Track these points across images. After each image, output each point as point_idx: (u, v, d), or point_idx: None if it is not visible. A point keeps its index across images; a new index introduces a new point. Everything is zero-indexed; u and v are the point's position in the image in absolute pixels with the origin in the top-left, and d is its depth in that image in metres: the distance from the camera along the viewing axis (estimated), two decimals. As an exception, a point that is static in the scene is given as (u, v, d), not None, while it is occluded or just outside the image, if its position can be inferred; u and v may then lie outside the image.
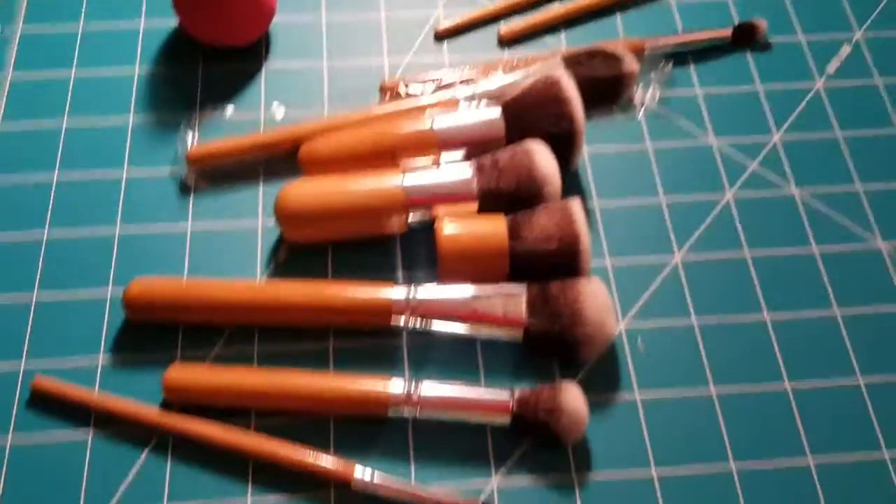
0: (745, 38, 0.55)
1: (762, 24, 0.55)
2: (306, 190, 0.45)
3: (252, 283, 0.45)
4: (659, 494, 0.41)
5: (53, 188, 0.48)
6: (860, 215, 0.49)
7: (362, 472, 0.40)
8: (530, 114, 0.47)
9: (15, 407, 0.42)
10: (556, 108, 0.47)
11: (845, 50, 0.55)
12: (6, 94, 0.51)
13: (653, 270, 0.47)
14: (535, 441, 0.42)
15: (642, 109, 0.52)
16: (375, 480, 0.40)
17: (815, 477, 0.41)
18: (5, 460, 0.40)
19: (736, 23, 0.55)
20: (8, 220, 0.47)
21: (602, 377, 0.44)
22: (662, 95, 0.52)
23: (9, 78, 0.51)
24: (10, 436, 0.41)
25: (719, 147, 0.51)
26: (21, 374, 0.42)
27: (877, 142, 0.52)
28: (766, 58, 0.55)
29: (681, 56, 0.54)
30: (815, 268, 0.47)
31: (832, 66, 0.55)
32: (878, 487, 0.41)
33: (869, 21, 0.57)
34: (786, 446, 0.42)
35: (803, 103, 0.53)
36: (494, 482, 0.41)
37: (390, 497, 0.40)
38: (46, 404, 0.42)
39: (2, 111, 0.50)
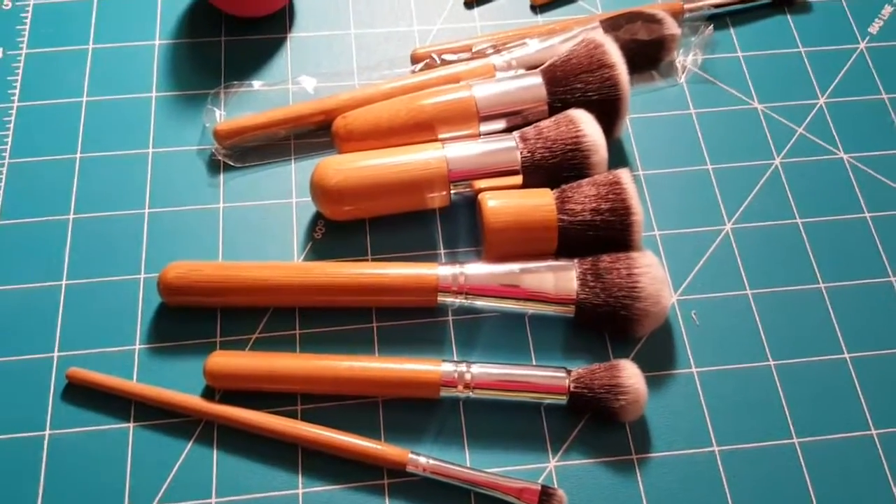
0: (786, -2, 0.53)
1: (802, -17, 0.53)
2: (344, 165, 0.43)
3: (293, 264, 0.43)
4: (721, 471, 0.39)
5: (77, 168, 0.46)
6: (911, 179, 0.48)
7: (416, 457, 0.38)
8: (573, 79, 0.45)
9: (51, 399, 0.40)
10: (601, 72, 0.45)
11: (887, 10, 0.54)
12: (21, 71, 0.48)
13: (703, 240, 0.45)
14: (591, 420, 0.40)
15: (684, 74, 0.50)
16: (430, 465, 0.38)
17: (880, 448, 0.40)
18: (44, 454, 0.39)
19: (775, -17, 0.54)
20: (30, 203, 0.45)
21: (657, 352, 0.42)
22: (704, 59, 0.51)
23: (23, 54, 0.49)
24: (47, 430, 0.39)
25: (764, 111, 0.49)
26: (55, 365, 0.41)
27: (924, 103, 0.50)
28: (807, 19, 0.53)
29: (720, 18, 0.52)
30: (868, 234, 0.46)
31: (875, 27, 0.53)
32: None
33: (909, -21, 0.55)
34: (848, 418, 0.41)
35: (847, 65, 0.51)
36: (552, 463, 0.40)
37: (446, 482, 0.38)
38: (83, 395, 0.40)
39: (18, 89, 0.48)
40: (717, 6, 0.52)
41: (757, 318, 0.43)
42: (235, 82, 0.48)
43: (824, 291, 0.44)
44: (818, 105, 0.50)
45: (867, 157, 0.48)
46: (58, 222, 0.44)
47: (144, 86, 0.49)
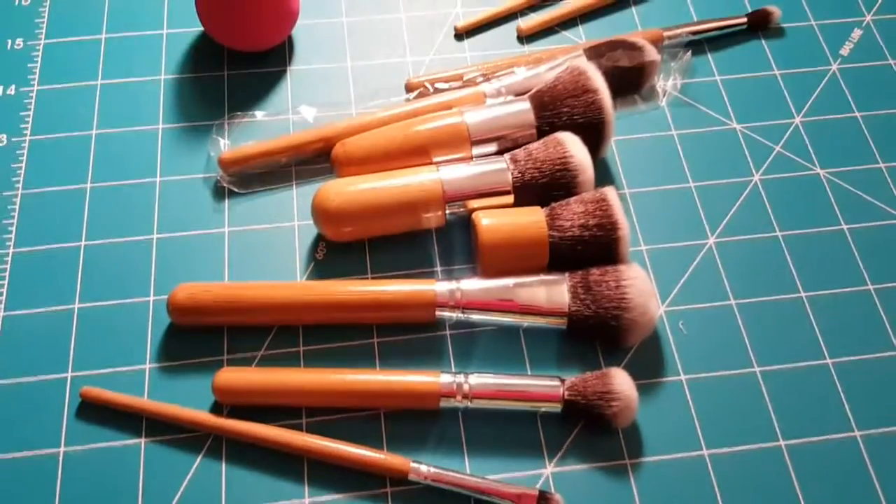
0: (760, 24, 0.56)
1: (775, 11, 0.56)
2: (344, 189, 0.45)
3: (296, 283, 0.45)
4: (712, 474, 0.41)
5: (88, 198, 0.48)
6: (885, 192, 0.50)
7: (417, 466, 0.40)
8: (559, 104, 0.47)
9: (65, 417, 0.41)
10: (585, 97, 0.47)
11: (857, 33, 0.56)
12: (33, 106, 0.51)
13: (688, 254, 0.47)
14: (585, 427, 0.42)
15: (665, 98, 0.53)
16: (431, 473, 0.40)
17: (863, 449, 0.42)
18: (59, 471, 0.40)
19: (749, 11, 0.56)
20: (44, 231, 0.47)
21: (647, 361, 0.44)
22: (683, 83, 0.53)
23: (35, 91, 0.51)
24: (62, 447, 0.41)
25: (742, 131, 0.52)
26: (69, 385, 0.42)
27: (894, 120, 0.53)
28: (781, 43, 0.56)
29: (697, 45, 0.55)
30: (846, 245, 0.48)
31: (845, 49, 0.56)
32: (925, 456, 0.42)
33: (878, 5, 0.58)
34: (832, 421, 0.43)
35: (821, 86, 0.54)
36: (548, 469, 0.41)
37: (447, 489, 0.40)
38: (96, 413, 0.42)
39: (30, 124, 0.50)
40: (694, 33, 0.55)
41: (741, 327, 0.45)
42: (238, 113, 0.51)
43: (805, 300, 0.46)
44: (794, 124, 0.52)
45: (843, 172, 0.50)
46: (70, 249, 0.46)
47: (151, 118, 0.51)
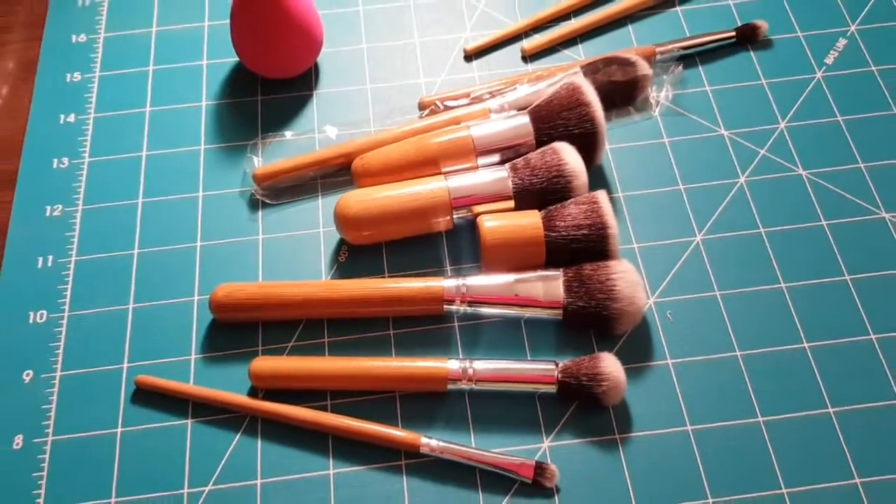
0: (748, 37, 0.60)
1: (763, 24, 0.60)
2: (362, 198, 0.51)
3: (321, 282, 0.51)
4: (695, 447, 0.45)
5: (140, 211, 0.54)
6: (864, 190, 0.54)
7: (428, 441, 0.45)
8: (556, 118, 0.52)
9: (122, 402, 0.48)
10: (579, 111, 0.52)
11: (841, 42, 0.60)
12: (90, 132, 0.57)
13: (677, 250, 0.52)
14: (580, 406, 0.47)
15: (657, 108, 0.57)
16: (440, 447, 0.45)
17: (836, 424, 0.46)
18: (117, 448, 0.46)
19: (738, 24, 0.61)
20: (102, 241, 0.53)
21: (637, 347, 0.49)
22: (675, 94, 0.58)
23: (91, 118, 0.58)
24: (119, 427, 0.47)
25: (730, 137, 0.56)
26: (125, 374, 0.48)
27: (875, 123, 0.56)
28: (768, 54, 0.60)
29: (689, 58, 0.59)
30: (825, 240, 0.52)
31: (830, 58, 0.60)
32: (892, 431, 0.46)
33: (862, 15, 0.61)
34: (807, 399, 0.47)
35: (805, 93, 0.58)
36: (546, 444, 0.46)
37: (454, 461, 0.45)
38: (149, 398, 0.48)
39: (88, 147, 0.57)
40: (685, 48, 0.59)
41: (725, 315, 0.49)
42: (270, 133, 0.57)
43: (785, 290, 0.50)
44: (779, 129, 0.56)
45: (824, 172, 0.54)
46: (125, 257, 0.52)
47: (194, 140, 0.57)
